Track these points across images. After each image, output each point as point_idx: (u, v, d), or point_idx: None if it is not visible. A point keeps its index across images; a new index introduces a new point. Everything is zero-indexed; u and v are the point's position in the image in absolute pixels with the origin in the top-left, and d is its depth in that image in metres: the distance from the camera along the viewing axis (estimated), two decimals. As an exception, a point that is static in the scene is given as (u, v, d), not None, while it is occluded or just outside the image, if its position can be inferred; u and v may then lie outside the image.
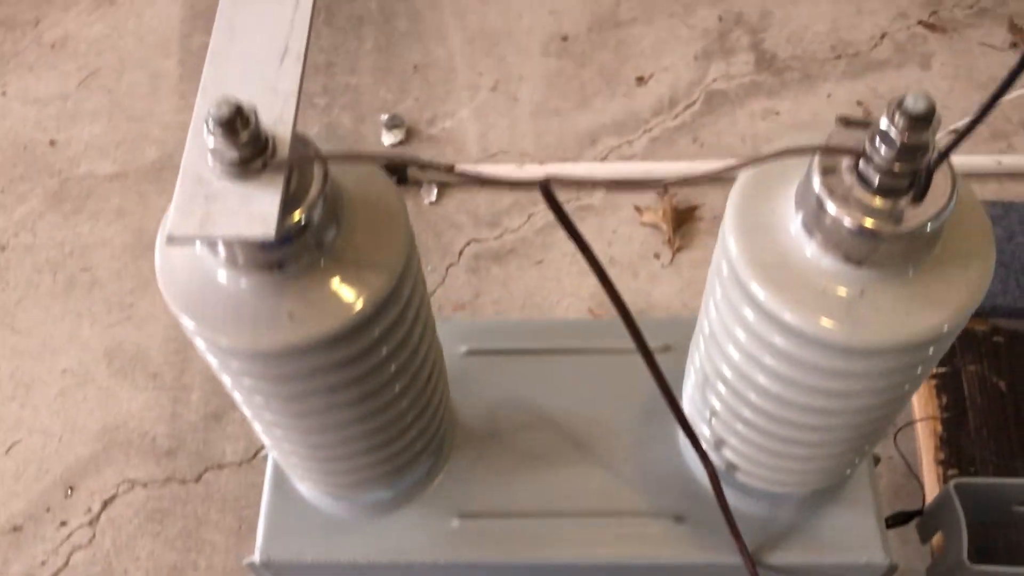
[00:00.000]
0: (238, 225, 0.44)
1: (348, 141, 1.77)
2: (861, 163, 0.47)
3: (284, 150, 0.47)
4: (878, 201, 0.47)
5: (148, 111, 1.83)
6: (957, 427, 1.13)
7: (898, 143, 0.44)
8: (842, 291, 0.50)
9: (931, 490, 1.12)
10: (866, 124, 0.47)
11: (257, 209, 0.45)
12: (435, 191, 1.67)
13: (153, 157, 1.77)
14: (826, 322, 0.49)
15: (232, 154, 0.45)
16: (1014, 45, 1.74)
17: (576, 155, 1.70)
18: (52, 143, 1.80)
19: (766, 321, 0.53)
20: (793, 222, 0.52)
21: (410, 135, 1.76)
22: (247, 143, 0.45)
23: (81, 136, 1.81)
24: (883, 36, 1.80)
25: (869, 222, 0.47)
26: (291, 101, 0.48)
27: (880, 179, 0.46)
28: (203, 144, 0.45)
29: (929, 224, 0.47)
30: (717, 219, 1.57)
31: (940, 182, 0.47)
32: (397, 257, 0.53)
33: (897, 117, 0.44)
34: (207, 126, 0.44)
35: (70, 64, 1.91)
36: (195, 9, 1.97)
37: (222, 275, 0.50)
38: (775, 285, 0.51)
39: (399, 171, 1.67)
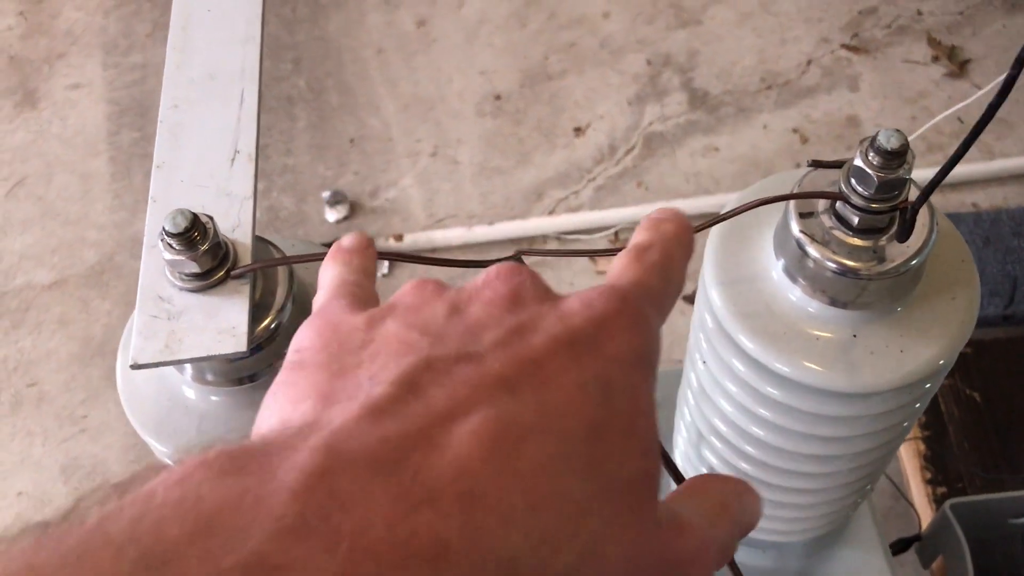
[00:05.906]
0: (206, 343, 0.41)
1: (291, 223, 1.74)
2: (838, 204, 0.46)
3: (246, 256, 0.44)
4: (859, 241, 0.46)
5: (82, 214, 1.79)
6: (939, 444, 1.13)
7: (876, 181, 0.43)
8: (834, 336, 0.48)
9: (923, 510, 1.11)
10: (838, 164, 0.47)
11: (225, 323, 0.42)
12: (386, 264, 1.65)
13: (92, 261, 1.72)
14: (823, 369, 0.48)
15: (192, 267, 0.42)
16: (935, 59, 1.78)
17: (524, 211, 1.69)
18: (-16, 258, 1.75)
19: (758, 373, 0.52)
20: (775, 269, 0.51)
21: (354, 210, 1.74)
22: (206, 253, 0.42)
23: (13, 247, 1.75)
24: (809, 63, 1.83)
25: (853, 263, 0.46)
26: (247, 204, 0.46)
27: (860, 219, 0.46)
28: (159, 259, 0.43)
29: (914, 260, 0.46)
30: (671, 260, 1.57)
31: (918, 215, 0.46)
32: (372, 351, 0.50)
33: (871, 155, 0.43)
34: (162, 240, 0.42)
35: (-4, 175, 1.87)
36: (120, 106, 1.94)
37: (190, 392, 0.47)
38: (764, 335, 0.49)
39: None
